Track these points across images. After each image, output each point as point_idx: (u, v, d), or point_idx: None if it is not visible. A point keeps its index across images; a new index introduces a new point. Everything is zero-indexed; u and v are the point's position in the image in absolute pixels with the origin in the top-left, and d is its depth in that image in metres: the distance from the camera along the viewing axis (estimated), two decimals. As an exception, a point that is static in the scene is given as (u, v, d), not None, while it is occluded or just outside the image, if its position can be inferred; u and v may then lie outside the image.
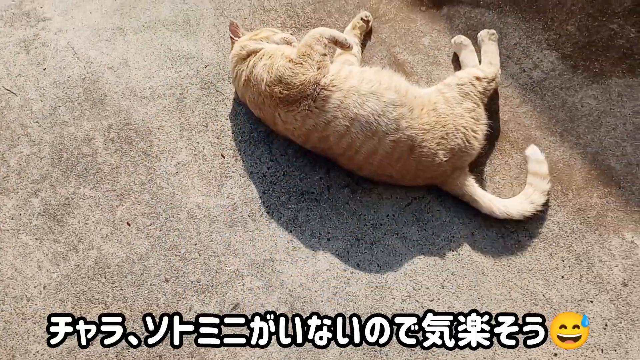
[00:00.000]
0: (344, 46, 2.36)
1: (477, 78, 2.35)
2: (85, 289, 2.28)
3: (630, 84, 2.53)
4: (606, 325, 2.23)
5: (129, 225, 2.38)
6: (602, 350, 2.19)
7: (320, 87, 2.18)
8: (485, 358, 2.19)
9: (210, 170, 2.46)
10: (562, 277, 2.30)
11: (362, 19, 2.59)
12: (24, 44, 2.67)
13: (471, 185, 2.34)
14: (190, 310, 2.25)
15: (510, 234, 2.35)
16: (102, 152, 2.49)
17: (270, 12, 2.67)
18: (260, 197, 2.42)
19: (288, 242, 2.36)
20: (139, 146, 2.50)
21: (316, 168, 2.45)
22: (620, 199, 2.40)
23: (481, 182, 2.42)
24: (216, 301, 2.27)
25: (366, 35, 2.63)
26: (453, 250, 2.34)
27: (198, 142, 2.50)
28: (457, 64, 2.60)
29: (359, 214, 2.39)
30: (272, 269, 2.32)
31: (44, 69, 2.63)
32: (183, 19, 2.71)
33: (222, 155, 2.48)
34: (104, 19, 2.71)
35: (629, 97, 2.51)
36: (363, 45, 2.62)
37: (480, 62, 2.49)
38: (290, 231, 2.37)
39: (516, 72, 2.58)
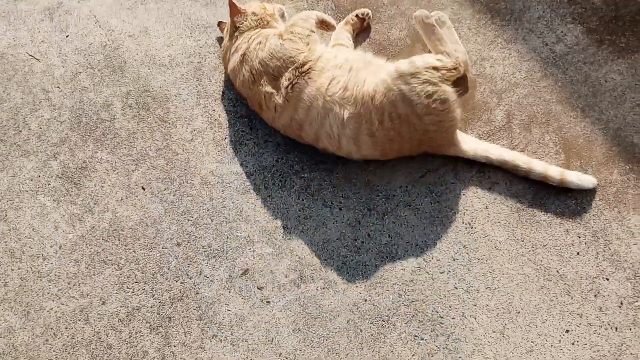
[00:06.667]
0: (330, 26, 2.38)
1: (435, 68, 2.19)
2: (99, 250, 2.32)
3: (658, 60, 2.45)
4: (622, 303, 2.17)
5: (144, 189, 2.41)
6: (616, 328, 2.14)
7: (306, 64, 2.22)
8: (494, 332, 2.16)
9: (225, 138, 2.47)
10: (578, 253, 2.25)
11: (357, 15, 2.54)
12: (48, 11, 2.71)
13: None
14: (200, 274, 2.27)
15: (526, 209, 2.30)
16: (120, 118, 2.52)
17: (290, -18, 2.66)
18: (274, 165, 2.42)
19: (300, 211, 2.36)
20: (156, 112, 2.53)
21: (331, 138, 2.44)
22: (642, 176, 2.33)
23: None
24: (226, 266, 2.28)
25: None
26: (466, 223, 2.31)
27: (214, 110, 2.51)
28: (479, 36, 2.56)
29: (372, 184, 2.37)
30: (282, 237, 2.33)
31: (67, 36, 2.67)
32: (203, -12, 2.72)
33: (237, 123, 2.49)
34: (126, -12, 2.74)
35: (655, 73, 2.44)
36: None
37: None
38: (302, 200, 2.37)
39: (538, 46, 2.52)
